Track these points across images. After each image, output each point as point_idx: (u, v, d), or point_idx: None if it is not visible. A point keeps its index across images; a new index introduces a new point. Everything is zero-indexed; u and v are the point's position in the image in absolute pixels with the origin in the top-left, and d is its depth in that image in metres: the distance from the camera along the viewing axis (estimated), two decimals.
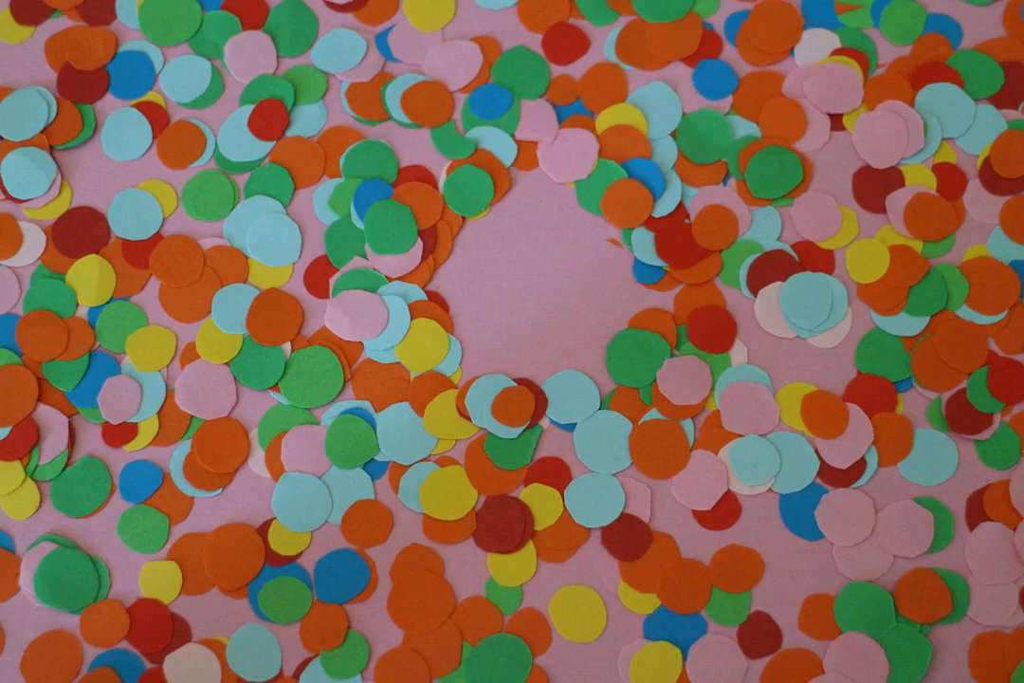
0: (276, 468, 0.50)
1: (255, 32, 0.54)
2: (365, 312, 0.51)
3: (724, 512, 0.50)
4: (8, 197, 0.52)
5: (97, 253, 0.52)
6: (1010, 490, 0.50)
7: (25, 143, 0.52)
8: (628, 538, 0.49)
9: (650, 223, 0.52)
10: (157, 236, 0.52)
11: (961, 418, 0.50)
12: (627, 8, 0.55)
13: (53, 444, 0.49)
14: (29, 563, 0.48)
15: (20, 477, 0.49)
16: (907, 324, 0.51)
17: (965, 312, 0.51)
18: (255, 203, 0.52)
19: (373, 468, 0.50)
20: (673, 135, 0.53)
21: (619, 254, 0.52)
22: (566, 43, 0.54)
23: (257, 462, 0.50)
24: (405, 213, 0.51)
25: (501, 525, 0.49)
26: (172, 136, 0.53)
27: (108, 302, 0.51)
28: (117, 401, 0.50)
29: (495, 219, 0.53)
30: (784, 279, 0.52)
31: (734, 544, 0.49)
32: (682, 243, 0.52)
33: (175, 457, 0.50)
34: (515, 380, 0.50)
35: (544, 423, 0.50)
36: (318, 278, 0.52)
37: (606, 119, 0.53)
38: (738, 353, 0.51)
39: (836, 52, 0.54)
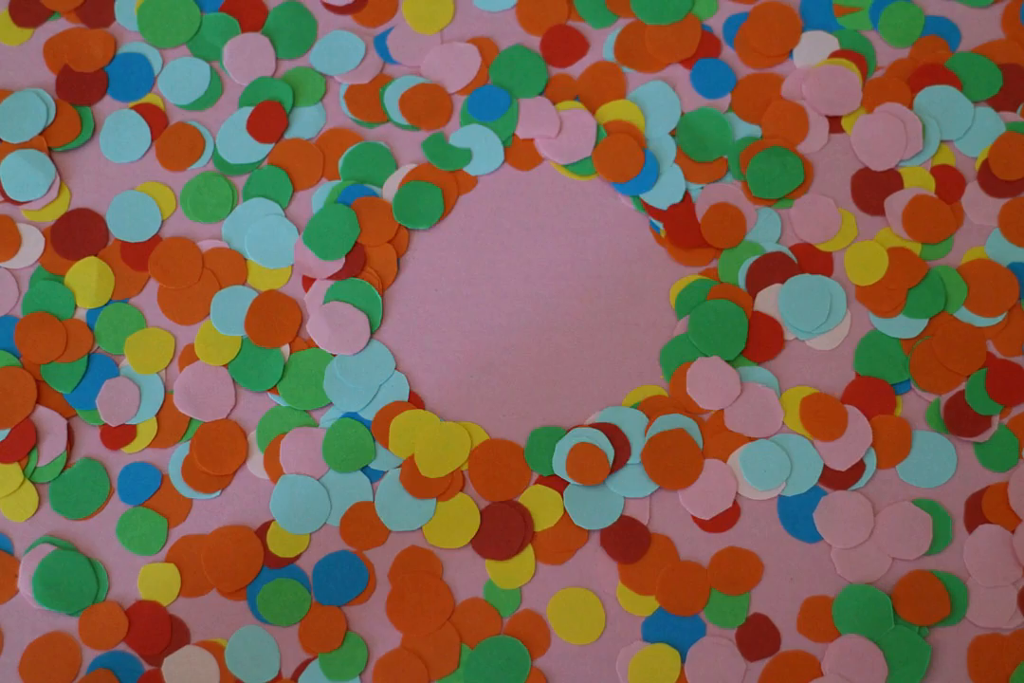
0: (275, 470, 0.49)
1: (254, 34, 0.54)
2: (348, 328, 0.51)
3: (723, 515, 0.49)
4: (7, 199, 0.52)
5: (96, 255, 0.52)
6: (1009, 492, 0.50)
7: (24, 145, 0.52)
8: (627, 540, 0.49)
9: (658, 214, 0.52)
10: (156, 238, 0.52)
11: (960, 420, 0.50)
12: (626, 10, 0.55)
13: (52, 446, 0.49)
14: (28, 565, 0.48)
15: (19, 479, 0.49)
16: (906, 326, 0.51)
17: (964, 314, 0.51)
18: (254, 205, 0.52)
19: (372, 470, 0.50)
20: (672, 134, 0.53)
21: (620, 253, 0.52)
22: (565, 45, 0.54)
23: (256, 464, 0.50)
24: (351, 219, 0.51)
25: (501, 533, 0.49)
26: (171, 138, 0.53)
27: (107, 304, 0.51)
28: (116, 403, 0.50)
29: (495, 220, 0.53)
30: (783, 281, 0.52)
31: (733, 546, 0.49)
32: (691, 234, 0.52)
33: (174, 459, 0.50)
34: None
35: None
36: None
37: (604, 115, 0.53)
38: None
39: (835, 54, 0.54)
